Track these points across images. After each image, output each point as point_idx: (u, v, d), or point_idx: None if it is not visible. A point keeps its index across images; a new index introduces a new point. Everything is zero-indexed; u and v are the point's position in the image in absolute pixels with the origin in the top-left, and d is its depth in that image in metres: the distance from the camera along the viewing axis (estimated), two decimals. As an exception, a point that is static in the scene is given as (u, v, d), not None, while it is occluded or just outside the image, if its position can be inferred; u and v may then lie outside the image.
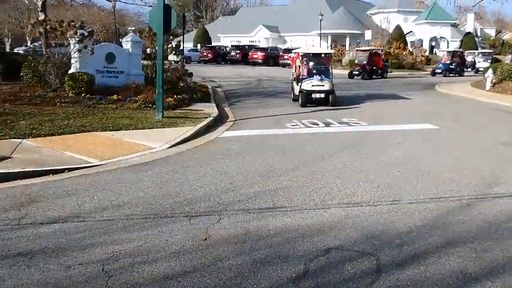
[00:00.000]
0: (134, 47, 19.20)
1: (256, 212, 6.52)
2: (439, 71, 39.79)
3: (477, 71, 43.67)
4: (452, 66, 40.29)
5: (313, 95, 17.84)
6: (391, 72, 39.34)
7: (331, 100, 17.80)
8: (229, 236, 5.65)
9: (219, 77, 31.90)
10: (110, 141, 10.88)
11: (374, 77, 35.54)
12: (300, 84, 18.18)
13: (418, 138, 12.12)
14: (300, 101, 17.89)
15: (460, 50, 46.86)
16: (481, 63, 44.97)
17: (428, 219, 6.28)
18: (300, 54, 19.39)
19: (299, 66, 18.99)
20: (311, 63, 18.73)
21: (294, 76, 19.46)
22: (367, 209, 6.72)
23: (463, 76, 39.32)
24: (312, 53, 19.77)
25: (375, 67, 35.88)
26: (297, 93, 18.49)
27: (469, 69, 44.89)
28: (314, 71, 18.29)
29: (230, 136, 12.37)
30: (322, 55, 19.95)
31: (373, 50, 38.02)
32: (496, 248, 5.38)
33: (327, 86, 17.82)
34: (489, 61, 44.64)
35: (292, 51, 22.24)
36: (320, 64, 18.89)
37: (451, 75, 38.92)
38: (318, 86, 17.76)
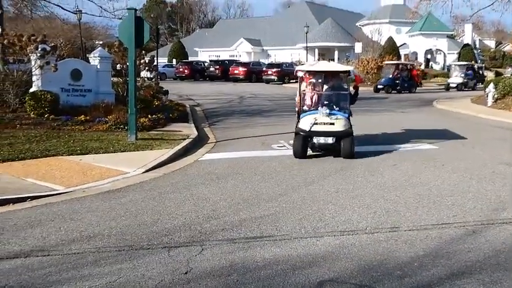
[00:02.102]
0: (103, 63, 19.20)
1: (242, 241, 6.48)
2: (381, 86, 38.30)
3: (448, 87, 42.58)
4: (398, 82, 38.52)
5: (315, 139, 12.20)
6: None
7: (344, 148, 12.05)
8: (213, 269, 5.60)
9: (197, 95, 32.01)
10: (77, 166, 10.79)
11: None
12: (298, 120, 12.90)
13: (416, 159, 12.20)
14: (293, 147, 12.47)
15: (410, 62, 46.44)
16: (454, 79, 43.50)
17: (431, 248, 6.29)
18: (304, 71, 13.46)
19: (303, 91, 13.34)
20: (320, 87, 13.26)
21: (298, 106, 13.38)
22: (364, 237, 6.72)
23: (413, 93, 38.33)
24: (323, 71, 13.39)
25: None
26: None
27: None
28: (323, 100, 12.87)
29: (211, 159, 12.36)
30: (339, 74, 13.49)
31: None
32: (506, 280, 5.39)
33: (339, 125, 12.15)
34: (466, 76, 43.22)
35: (296, 67, 16.39)
36: (333, 88, 13.23)
37: (393, 91, 37.63)
38: (324, 124, 12.12)
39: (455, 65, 47.23)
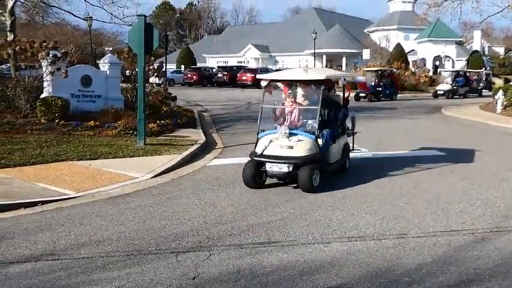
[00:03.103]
0: (112, 69, 19.26)
1: (249, 247, 6.49)
2: (363, 95, 35.52)
3: (435, 94, 41.26)
4: (380, 89, 36.46)
5: (267, 166, 9.60)
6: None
7: (300, 179, 9.33)
8: (221, 274, 5.62)
9: (205, 101, 32.06)
10: (87, 171, 10.85)
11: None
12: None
13: (424, 165, 12.17)
14: (242, 174, 9.87)
15: (391, 69, 43.26)
16: (442, 86, 42.25)
17: (439, 255, 6.28)
18: (267, 80, 10.63)
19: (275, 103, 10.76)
20: (288, 100, 10.47)
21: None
22: (372, 243, 6.71)
23: (394, 100, 36.64)
24: (289, 80, 10.66)
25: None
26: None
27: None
28: (287, 116, 10.31)
29: (219, 164, 12.38)
30: (311, 84, 10.25)
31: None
32: (516, 287, 5.38)
33: (299, 150, 9.50)
34: (456, 83, 41.44)
35: (258, 75, 12.90)
36: (306, 101, 10.58)
37: (375, 100, 35.31)
38: (280, 147, 9.57)
39: (444, 71, 46.62)
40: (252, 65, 72.88)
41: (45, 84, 17.62)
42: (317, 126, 9.74)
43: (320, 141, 9.75)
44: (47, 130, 15.23)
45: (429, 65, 68.50)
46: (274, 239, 6.81)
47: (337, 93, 11.80)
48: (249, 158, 9.91)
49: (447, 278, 5.58)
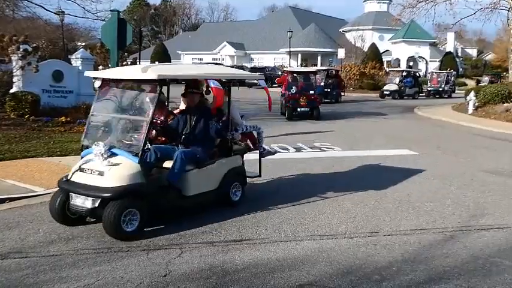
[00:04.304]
0: (85, 65, 19.13)
1: (221, 245, 6.50)
2: None
3: (382, 94, 40.08)
4: (328, 90, 34.78)
5: (71, 199, 6.88)
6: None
7: (104, 221, 6.56)
8: (192, 272, 5.61)
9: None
10: (57, 167, 10.71)
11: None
12: None
13: (396, 165, 12.30)
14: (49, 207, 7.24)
15: (335, 69, 41.75)
16: (389, 86, 40.65)
17: (410, 253, 6.36)
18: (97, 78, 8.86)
19: None
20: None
21: None
22: (343, 241, 6.77)
23: (339, 103, 34.99)
24: (118, 80, 7.67)
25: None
26: None
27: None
28: (107, 129, 7.69)
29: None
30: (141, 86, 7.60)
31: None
32: (484, 285, 5.47)
33: (111, 177, 6.73)
34: (404, 83, 40.18)
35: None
36: (131, 110, 7.73)
37: (326, 100, 33.26)
38: (89, 172, 6.88)
39: (391, 71, 44.44)
40: (227, 62, 72.75)
41: (15, 79, 17.40)
42: (142, 145, 6.89)
43: (145, 164, 6.94)
44: (17, 126, 15.04)
45: (403, 66, 69.22)
46: (246, 237, 6.82)
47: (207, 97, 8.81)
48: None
49: (417, 275, 5.65)
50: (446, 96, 43.04)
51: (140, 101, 7.55)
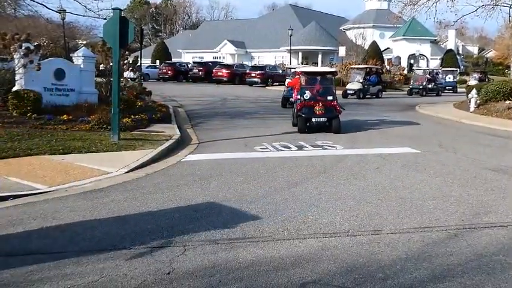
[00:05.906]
0: (86, 63, 19.10)
1: (224, 242, 6.49)
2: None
3: (345, 94, 36.85)
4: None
5: None
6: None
7: None
8: (195, 269, 5.61)
9: (180, 96, 31.96)
10: (59, 165, 10.73)
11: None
12: None
13: (398, 163, 12.29)
14: None
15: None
16: (352, 85, 37.95)
17: (413, 251, 6.35)
18: None
19: None
20: None
21: None
22: (346, 239, 6.76)
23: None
24: None
25: None
26: None
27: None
28: None
29: (194, 160, 12.35)
30: None
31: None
32: (488, 283, 5.45)
33: None
34: (367, 82, 38.23)
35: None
36: None
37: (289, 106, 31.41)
38: None
39: (354, 68, 41.96)
40: (228, 60, 72.67)
41: (17, 77, 17.39)
42: None
43: None
44: (19, 124, 15.04)
45: (404, 63, 69.24)
46: (249, 235, 6.82)
47: None
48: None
49: (420, 273, 5.64)
50: (434, 94, 42.68)
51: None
